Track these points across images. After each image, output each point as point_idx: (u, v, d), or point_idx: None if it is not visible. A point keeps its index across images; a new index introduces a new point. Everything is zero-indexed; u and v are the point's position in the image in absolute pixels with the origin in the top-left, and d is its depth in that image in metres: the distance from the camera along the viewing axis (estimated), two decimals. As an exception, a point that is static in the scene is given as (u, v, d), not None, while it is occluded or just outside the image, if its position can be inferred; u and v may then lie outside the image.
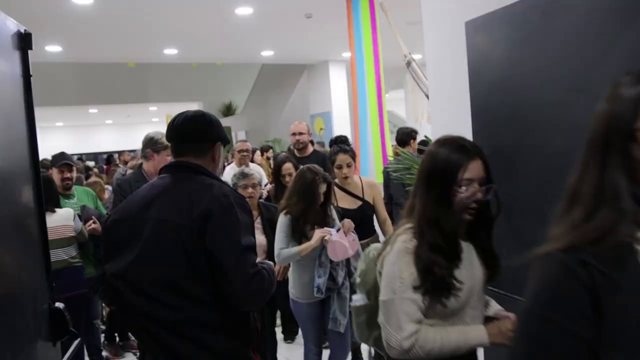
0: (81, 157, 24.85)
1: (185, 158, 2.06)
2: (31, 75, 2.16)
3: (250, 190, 3.82)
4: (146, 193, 2.06)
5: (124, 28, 7.42)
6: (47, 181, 4.05)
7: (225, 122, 16.87)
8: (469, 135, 2.62)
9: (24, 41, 2.12)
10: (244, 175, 3.88)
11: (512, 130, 2.34)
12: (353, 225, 3.48)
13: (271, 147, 11.13)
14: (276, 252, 3.40)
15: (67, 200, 4.50)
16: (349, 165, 3.96)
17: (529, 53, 2.20)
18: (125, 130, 25.13)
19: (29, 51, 2.14)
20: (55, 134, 24.19)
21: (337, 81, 11.66)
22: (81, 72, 14.19)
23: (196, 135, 2.07)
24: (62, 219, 4.01)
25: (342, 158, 3.94)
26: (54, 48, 8.23)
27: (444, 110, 3.04)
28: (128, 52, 9.21)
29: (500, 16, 2.33)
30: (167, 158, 3.57)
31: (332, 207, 3.60)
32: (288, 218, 3.41)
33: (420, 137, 6.05)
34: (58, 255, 3.92)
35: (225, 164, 8.08)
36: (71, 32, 7.41)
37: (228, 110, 18.05)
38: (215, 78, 16.56)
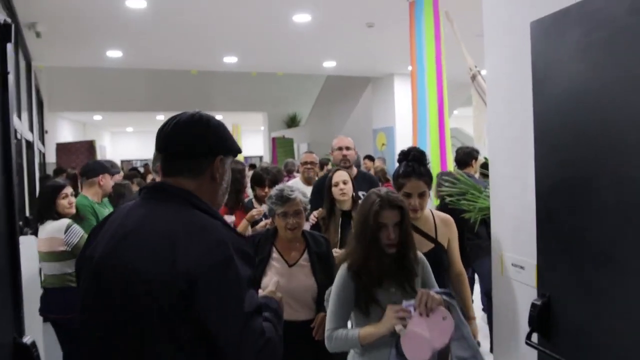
0: (147, 163, 25.46)
1: (174, 179, 1.58)
2: (8, 73, 1.78)
3: (292, 220, 2.91)
4: (118, 225, 1.55)
5: (180, 34, 7.29)
6: (45, 191, 3.87)
7: (288, 133, 16.73)
8: (529, 161, 2.16)
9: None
10: (283, 199, 2.93)
11: (584, 157, 1.82)
12: (437, 298, 2.20)
13: (330, 161, 10.76)
14: (326, 332, 2.35)
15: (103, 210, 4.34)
16: (421, 196, 2.85)
17: (611, 60, 1.71)
18: (193, 138, 25.49)
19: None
20: (125, 139, 24.89)
21: (402, 95, 11.19)
22: (149, 79, 14.40)
23: (190, 147, 1.58)
24: (52, 231, 3.72)
25: (414, 185, 2.81)
26: (114, 53, 8.22)
27: (502, 129, 2.57)
28: (188, 59, 9.12)
29: (575, 13, 1.85)
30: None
31: (416, 256, 2.41)
32: (348, 274, 2.35)
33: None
34: (45, 269, 3.73)
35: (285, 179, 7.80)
36: (129, 37, 7.35)
37: (292, 122, 17.90)
38: (281, 88, 16.47)
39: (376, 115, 11.79)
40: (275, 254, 3.00)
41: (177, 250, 1.38)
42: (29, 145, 7.82)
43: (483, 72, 5.78)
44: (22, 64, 7.92)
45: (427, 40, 5.95)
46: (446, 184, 4.06)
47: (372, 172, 9.95)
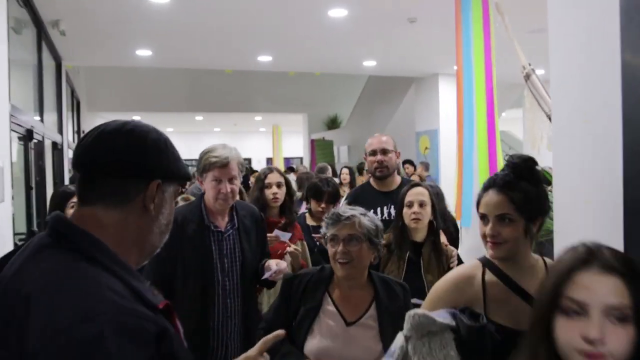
0: (191, 164, 25.41)
1: (90, 209, 1.14)
2: None
3: (341, 248, 2.18)
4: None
5: (209, 32, 6.90)
6: (53, 198, 3.44)
7: (328, 135, 16.26)
8: (616, 182, 1.61)
9: None
10: (334, 218, 2.26)
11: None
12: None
13: (363, 166, 10.19)
14: None
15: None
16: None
17: None
18: (233, 139, 25.31)
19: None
20: (166, 139, 24.87)
21: (447, 96, 10.52)
22: (187, 79, 14.18)
23: (113, 165, 1.14)
24: None
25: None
26: (144, 52, 7.91)
27: (572, 139, 1.99)
28: (220, 58, 8.75)
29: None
30: (212, 183, 2.73)
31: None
32: None
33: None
34: None
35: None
36: (155, 34, 7.00)
37: (333, 123, 17.41)
38: (321, 89, 16.02)
39: (419, 117, 11.17)
40: (329, 306, 2.20)
41: (32, 319, 0.95)
42: (55, 146, 7.58)
43: (539, 72, 5.18)
44: (50, 63, 7.71)
45: (475, 36, 5.35)
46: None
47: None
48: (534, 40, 5.99)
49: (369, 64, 9.37)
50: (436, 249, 3.05)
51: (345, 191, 8.22)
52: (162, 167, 1.19)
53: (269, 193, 3.67)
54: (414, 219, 3.03)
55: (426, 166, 9.92)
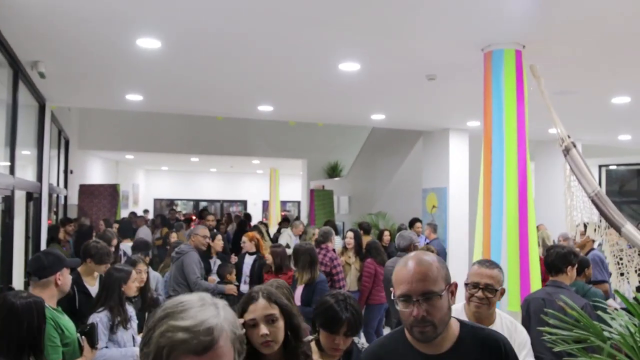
0: (173, 203, 24.70)
1: None
2: None
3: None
4: None
5: (205, 79, 6.26)
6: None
7: (328, 184, 15.64)
8: None
9: None
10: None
11: None
12: None
13: (368, 227, 9.45)
14: None
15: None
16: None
17: None
18: (229, 179, 24.73)
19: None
20: (160, 177, 24.25)
21: (458, 153, 9.90)
22: (183, 121, 13.62)
23: None
24: None
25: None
26: (134, 97, 7.26)
27: None
28: (216, 106, 8.10)
29: None
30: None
31: None
32: None
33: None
34: None
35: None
36: (146, 80, 6.36)
37: (333, 171, 16.76)
38: (322, 135, 15.46)
39: (427, 173, 10.48)
40: None
41: None
42: (30, 197, 6.86)
43: (553, 131, 4.53)
44: (32, 104, 7.07)
45: (506, 96, 4.71)
46: (552, 320, 2.76)
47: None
48: (560, 102, 5.39)
49: (378, 117, 8.75)
50: None
51: (350, 257, 7.48)
52: None
53: (254, 334, 2.28)
54: None
55: (434, 228, 9.20)
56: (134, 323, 4.20)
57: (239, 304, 2.29)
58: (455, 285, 2.09)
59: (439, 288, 1.98)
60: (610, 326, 2.97)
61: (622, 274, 4.20)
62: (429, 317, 1.96)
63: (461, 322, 2.15)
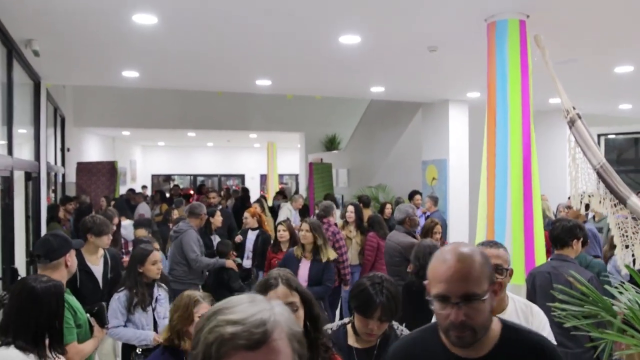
0: (170, 178, 24.66)
1: None
2: None
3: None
4: None
5: (202, 55, 6.16)
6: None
7: (326, 157, 15.58)
8: None
9: None
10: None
11: None
12: None
13: (368, 200, 9.43)
14: None
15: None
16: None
17: None
18: (227, 154, 24.63)
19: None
20: (157, 153, 24.14)
21: (458, 124, 9.83)
22: (180, 96, 13.48)
23: None
24: None
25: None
26: (130, 74, 7.15)
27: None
28: (214, 81, 7.99)
29: None
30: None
31: None
32: None
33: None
34: None
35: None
36: (142, 56, 6.25)
37: (331, 144, 16.68)
38: (320, 108, 15.33)
39: (427, 145, 10.42)
40: None
41: None
42: (29, 176, 6.81)
43: (554, 101, 4.47)
44: (27, 82, 6.97)
45: (510, 68, 4.64)
46: (560, 296, 2.74)
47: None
48: (562, 72, 5.31)
49: (377, 89, 8.66)
50: None
51: (351, 231, 7.46)
52: None
53: None
54: None
55: (435, 200, 9.16)
56: (160, 307, 4.11)
57: (257, 289, 2.13)
58: (499, 284, 1.88)
59: (481, 290, 1.71)
60: (614, 298, 2.97)
61: (626, 246, 4.19)
62: (469, 322, 1.70)
63: (504, 322, 1.89)
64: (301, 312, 2.11)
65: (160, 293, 4.19)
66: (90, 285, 4.42)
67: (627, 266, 2.89)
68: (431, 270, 1.79)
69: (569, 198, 7.30)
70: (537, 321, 2.79)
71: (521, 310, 2.82)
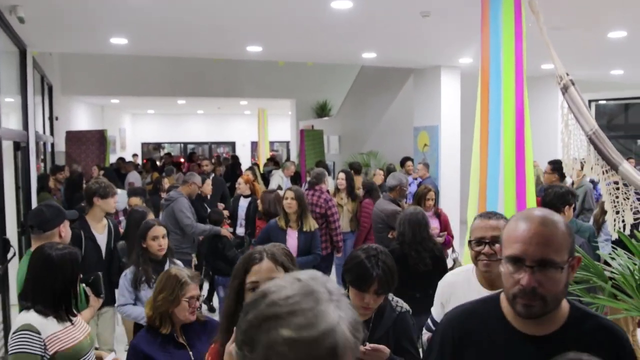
0: (160, 146, 24.52)
1: None
2: None
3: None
4: None
5: (192, 20, 6.05)
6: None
7: (317, 124, 15.53)
8: None
9: None
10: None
11: None
12: None
13: (359, 167, 9.43)
14: None
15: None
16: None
17: None
18: (217, 121, 24.47)
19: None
20: (146, 121, 23.94)
21: (449, 90, 9.78)
22: (169, 63, 13.30)
23: None
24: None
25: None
26: (119, 40, 7.02)
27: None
28: (203, 48, 7.88)
29: None
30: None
31: None
32: None
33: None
34: None
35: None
36: (131, 22, 6.13)
37: (322, 110, 16.59)
38: (311, 75, 15.20)
39: (418, 111, 10.38)
40: None
41: None
42: (17, 146, 6.74)
43: (546, 67, 4.45)
44: (12, 50, 6.83)
45: (504, 33, 4.59)
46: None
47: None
48: (552, 39, 5.27)
49: (369, 55, 8.57)
50: None
51: (342, 198, 7.47)
52: None
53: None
54: None
55: (428, 167, 9.18)
56: None
57: (240, 263, 1.99)
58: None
59: (561, 258, 1.57)
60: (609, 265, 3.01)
61: (617, 212, 4.22)
62: (541, 290, 1.56)
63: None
64: None
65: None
66: (95, 255, 4.36)
67: (619, 232, 2.93)
68: (508, 230, 1.67)
69: (549, 163, 7.35)
70: None
71: None
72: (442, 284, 2.98)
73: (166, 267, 3.86)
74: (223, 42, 7.41)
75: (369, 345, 2.28)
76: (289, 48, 8.07)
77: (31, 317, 2.59)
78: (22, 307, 2.66)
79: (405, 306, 2.65)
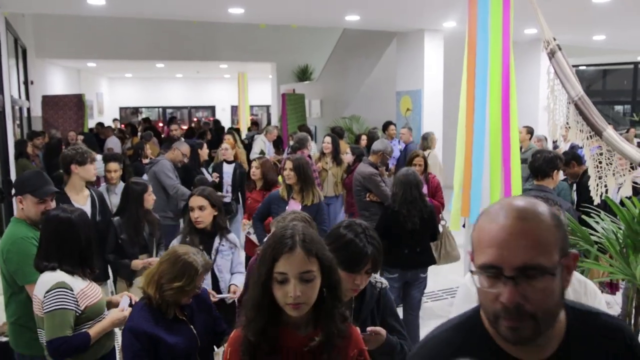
0: (138, 110, 24.12)
1: None
2: None
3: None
4: None
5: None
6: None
7: (299, 88, 15.38)
8: None
9: None
10: None
11: None
12: None
13: (342, 132, 9.37)
14: None
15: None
16: None
17: None
18: (196, 85, 24.12)
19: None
20: (124, 85, 23.50)
21: (433, 54, 9.72)
22: (148, 26, 13.01)
23: None
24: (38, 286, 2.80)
25: None
26: (96, 1, 6.81)
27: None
28: (184, 9, 7.68)
29: None
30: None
31: None
32: None
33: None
34: None
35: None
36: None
37: (303, 74, 16.42)
38: (291, 38, 15.00)
39: (401, 75, 10.32)
40: None
41: None
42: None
43: (530, 31, 4.44)
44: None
45: (493, -1, 4.53)
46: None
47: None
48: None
49: (352, 18, 8.46)
50: None
51: (327, 162, 7.45)
52: None
53: (281, 291, 1.80)
54: None
55: (411, 131, 9.17)
56: (222, 259, 3.69)
57: (269, 247, 1.76)
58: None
59: (550, 261, 1.16)
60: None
61: (599, 177, 4.28)
62: (529, 307, 1.15)
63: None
64: (318, 282, 1.75)
65: (224, 244, 3.69)
66: None
67: (607, 198, 2.96)
68: (478, 230, 1.23)
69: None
70: (591, 303, 2.09)
71: (572, 290, 2.18)
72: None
73: (215, 242, 3.64)
74: (204, 3, 7.23)
75: (370, 329, 2.20)
76: (272, 10, 7.91)
77: (58, 275, 2.70)
78: (45, 268, 2.74)
79: (384, 281, 2.50)
